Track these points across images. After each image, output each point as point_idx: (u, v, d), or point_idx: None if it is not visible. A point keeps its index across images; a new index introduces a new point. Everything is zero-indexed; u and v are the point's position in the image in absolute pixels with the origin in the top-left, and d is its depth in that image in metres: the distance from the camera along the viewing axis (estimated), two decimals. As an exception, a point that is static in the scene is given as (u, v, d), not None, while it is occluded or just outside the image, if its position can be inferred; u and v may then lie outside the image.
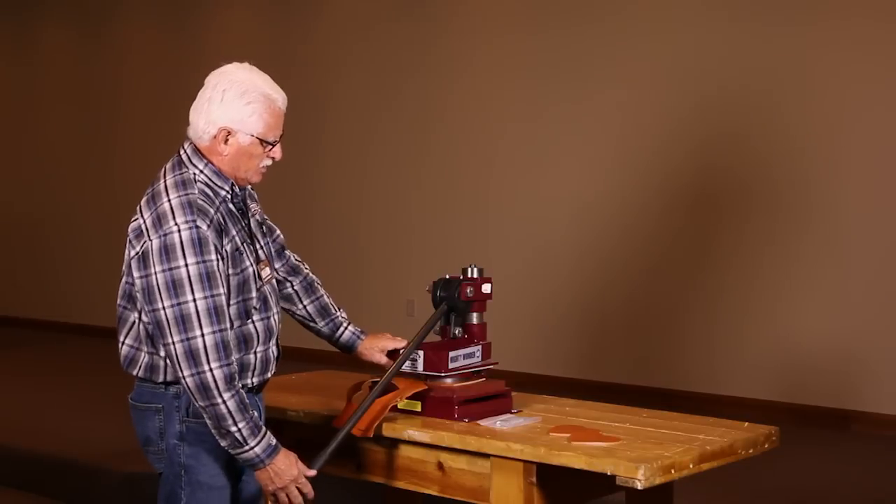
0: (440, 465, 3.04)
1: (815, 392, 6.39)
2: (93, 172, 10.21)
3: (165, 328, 2.67)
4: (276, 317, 2.94)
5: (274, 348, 2.94)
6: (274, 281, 2.99)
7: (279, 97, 2.83)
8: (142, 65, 9.86)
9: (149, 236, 2.70)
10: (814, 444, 5.88)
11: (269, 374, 2.94)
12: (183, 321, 2.65)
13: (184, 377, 2.67)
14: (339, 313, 3.25)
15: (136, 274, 2.73)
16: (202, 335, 2.66)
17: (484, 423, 3.07)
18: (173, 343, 2.66)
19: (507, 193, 7.61)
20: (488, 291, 3.25)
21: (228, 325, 2.72)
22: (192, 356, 2.65)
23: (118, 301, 2.84)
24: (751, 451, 3.05)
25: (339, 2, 8.56)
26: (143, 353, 2.81)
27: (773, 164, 6.56)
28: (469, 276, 3.24)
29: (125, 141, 9.96)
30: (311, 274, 3.26)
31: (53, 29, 10.62)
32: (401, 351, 3.14)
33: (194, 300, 2.66)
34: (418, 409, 3.13)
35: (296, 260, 3.24)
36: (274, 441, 2.78)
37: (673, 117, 6.89)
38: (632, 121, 7.07)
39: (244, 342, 2.81)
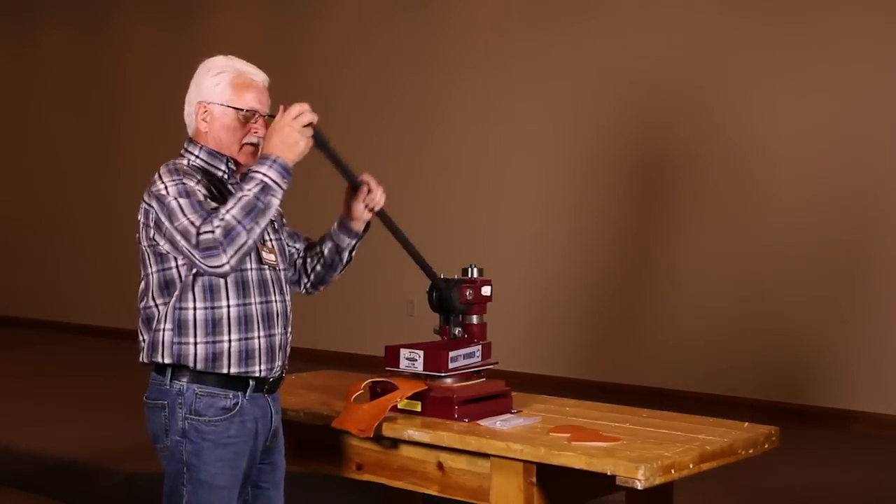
0: (440, 465, 3.05)
1: (815, 392, 6.39)
2: (93, 173, 10.21)
3: (172, 234, 2.73)
4: (277, 306, 2.93)
5: (280, 337, 2.93)
6: (281, 273, 3.00)
7: (254, 72, 2.93)
8: (142, 65, 9.86)
9: (151, 206, 2.78)
10: (814, 444, 5.88)
11: (277, 364, 2.91)
12: (169, 214, 2.72)
13: (197, 258, 2.68)
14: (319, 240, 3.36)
15: (157, 236, 2.78)
16: (188, 219, 2.72)
17: (484, 423, 3.07)
18: (174, 228, 2.71)
19: (507, 193, 7.61)
20: (488, 294, 3.26)
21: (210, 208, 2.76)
22: (185, 233, 2.70)
23: (138, 304, 2.87)
24: (751, 451, 3.05)
25: (339, 2, 8.56)
26: (143, 341, 2.84)
27: (776, 163, 6.57)
28: (469, 276, 3.24)
29: (125, 141, 9.96)
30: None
31: (53, 29, 10.62)
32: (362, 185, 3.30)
33: (175, 198, 2.73)
34: (418, 409, 3.14)
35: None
36: (281, 167, 2.83)
37: (673, 117, 6.89)
38: (633, 121, 7.06)
39: (245, 322, 2.83)
